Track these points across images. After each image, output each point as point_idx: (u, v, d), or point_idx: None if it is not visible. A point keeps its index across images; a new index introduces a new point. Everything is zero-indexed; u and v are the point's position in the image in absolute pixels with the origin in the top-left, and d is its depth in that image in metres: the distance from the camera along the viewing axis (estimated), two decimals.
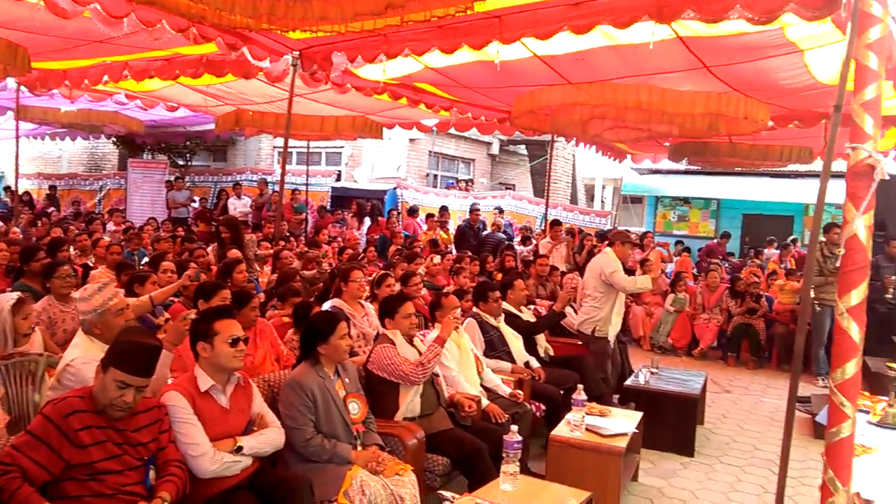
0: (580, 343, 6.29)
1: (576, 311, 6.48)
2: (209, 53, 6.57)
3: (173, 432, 2.82)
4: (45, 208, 13.80)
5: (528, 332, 5.76)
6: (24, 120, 11.07)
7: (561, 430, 4.20)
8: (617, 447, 4.02)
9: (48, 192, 15.78)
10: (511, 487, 3.16)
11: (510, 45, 5.08)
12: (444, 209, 13.03)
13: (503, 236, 12.02)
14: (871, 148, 2.41)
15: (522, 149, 19.04)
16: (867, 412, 3.83)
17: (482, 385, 4.74)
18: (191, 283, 5.10)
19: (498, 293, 5.59)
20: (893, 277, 7.74)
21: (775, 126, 7.11)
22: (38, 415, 2.56)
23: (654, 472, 5.02)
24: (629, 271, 6.64)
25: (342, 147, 16.36)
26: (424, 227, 12.44)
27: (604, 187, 21.14)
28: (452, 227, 12.79)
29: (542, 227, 11.85)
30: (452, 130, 11.43)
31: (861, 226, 2.43)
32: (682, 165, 13.20)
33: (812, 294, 7.48)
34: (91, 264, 7.01)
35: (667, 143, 9.68)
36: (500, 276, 8.11)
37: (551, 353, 5.98)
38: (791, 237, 14.00)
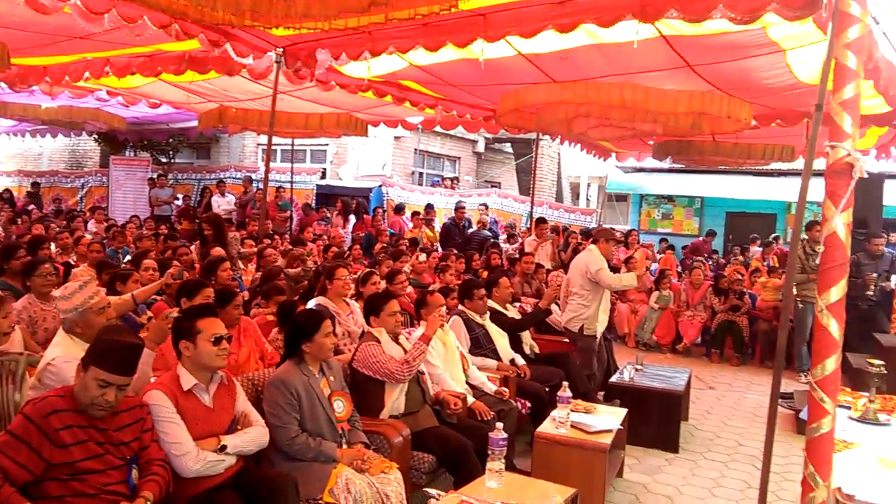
0: (566, 340, 6.31)
1: (560, 309, 6.50)
2: (192, 50, 6.52)
3: (156, 431, 2.80)
4: (25, 206, 13.63)
5: (513, 330, 5.77)
6: (3, 117, 10.95)
7: (546, 427, 4.21)
8: (602, 444, 4.04)
9: (31, 189, 15.57)
10: (496, 484, 3.16)
11: (495, 43, 5.09)
12: (429, 207, 13.02)
13: (489, 234, 12.04)
14: (849, 146, 2.43)
15: (508, 147, 19.07)
16: (849, 408, 3.88)
17: (468, 383, 4.74)
18: (174, 281, 5.06)
19: (483, 291, 5.60)
20: (874, 275, 7.83)
21: (758, 125, 7.17)
22: (18, 414, 2.54)
23: (638, 468, 5.05)
24: (614, 269, 6.68)
25: (327, 145, 16.31)
26: (410, 224, 12.44)
27: (589, 185, 21.23)
28: (438, 225, 12.79)
29: (528, 225, 11.87)
30: (438, 128, 11.43)
31: (840, 223, 2.45)
32: (667, 164, 13.29)
33: (795, 291, 7.56)
34: (73, 262, 6.94)
35: (651, 142, 9.73)
36: (485, 273, 8.11)
37: (537, 350, 6.00)
38: (774, 235, 14.12)
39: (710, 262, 12.19)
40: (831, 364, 2.47)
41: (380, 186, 14.22)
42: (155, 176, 14.65)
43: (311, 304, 5.08)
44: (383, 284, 5.75)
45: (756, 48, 5.23)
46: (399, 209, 13.14)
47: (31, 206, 13.54)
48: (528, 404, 5.05)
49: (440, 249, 10.28)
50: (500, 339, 5.51)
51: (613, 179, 17.02)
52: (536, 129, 9.60)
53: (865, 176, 2.44)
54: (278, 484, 2.97)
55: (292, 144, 12.29)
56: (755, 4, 3.87)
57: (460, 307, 5.55)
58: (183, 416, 2.88)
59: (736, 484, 4.85)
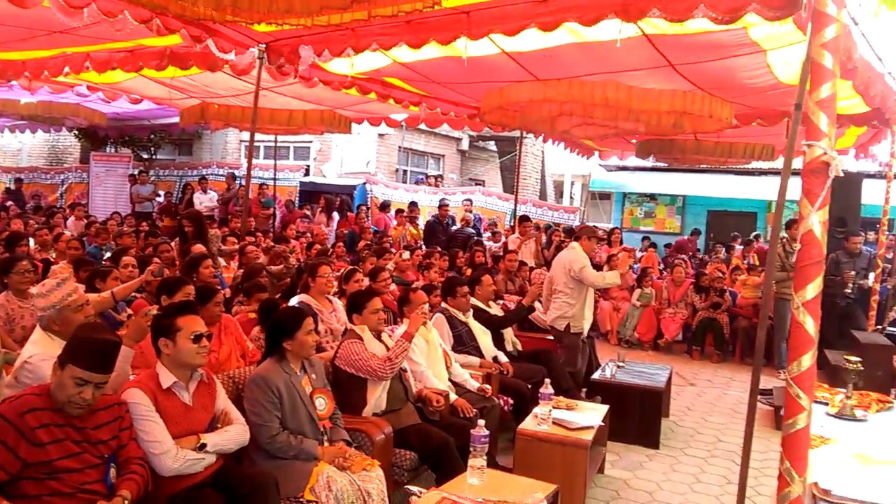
0: (549, 338, 6.34)
1: (543, 306, 6.52)
2: (173, 45, 6.45)
3: (134, 430, 2.78)
4: (3, 202, 13.43)
5: (496, 327, 5.78)
6: None
7: (528, 424, 4.23)
8: (583, 440, 4.06)
9: (13, 186, 15.30)
10: (478, 481, 3.17)
11: (478, 40, 5.09)
12: (413, 204, 13.00)
13: (472, 231, 12.06)
14: (826, 145, 2.45)
15: (492, 145, 19.08)
16: (826, 404, 3.91)
17: (450, 380, 4.75)
18: (154, 278, 5.02)
19: (466, 288, 5.61)
20: (853, 273, 7.92)
21: (739, 124, 7.23)
22: None
23: (620, 464, 5.08)
24: (596, 267, 6.71)
25: (311, 142, 16.22)
26: (395, 222, 12.42)
27: (573, 183, 21.31)
28: (422, 222, 12.78)
29: (512, 223, 11.90)
30: (422, 126, 11.40)
31: (816, 221, 2.47)
32: (649, 162, 13.37)
33: (774, 288, 7.63)
34: (52, 259, 6.86)
35: (634, 140, 9.79)
36: (469, 271, 8.12)
37: (519, 347, 6.02)
38: (754, 233, 14.26)
39: (693, 261, 12.29)
40: (807, 360, 2.48)
41: (364, 184, 14.17)
42: (136, 172, 14.49)
43: (293, 301, 5.06)
44: (366, 282, 5.74)
45: (737, 48, 5.27)
46: (384, 206, 13.11)
47: (9, 203, 13.35)
48: (511, 401, 5.07)
49: (424, 247, 10.27)
50: (483, 336, 5.52)
51: (597, 178, 17.10)
52: (520, 127, 9.62)
53: (841, 175, 2.46)
54: (259, 482, 2.95)
55: (275, 141, 12.20)
56: (736, 4, 3.90)
57: (443, 304, 5.55)
58: (162, 415, 2.86)
59: (715, 479, 4.90)
